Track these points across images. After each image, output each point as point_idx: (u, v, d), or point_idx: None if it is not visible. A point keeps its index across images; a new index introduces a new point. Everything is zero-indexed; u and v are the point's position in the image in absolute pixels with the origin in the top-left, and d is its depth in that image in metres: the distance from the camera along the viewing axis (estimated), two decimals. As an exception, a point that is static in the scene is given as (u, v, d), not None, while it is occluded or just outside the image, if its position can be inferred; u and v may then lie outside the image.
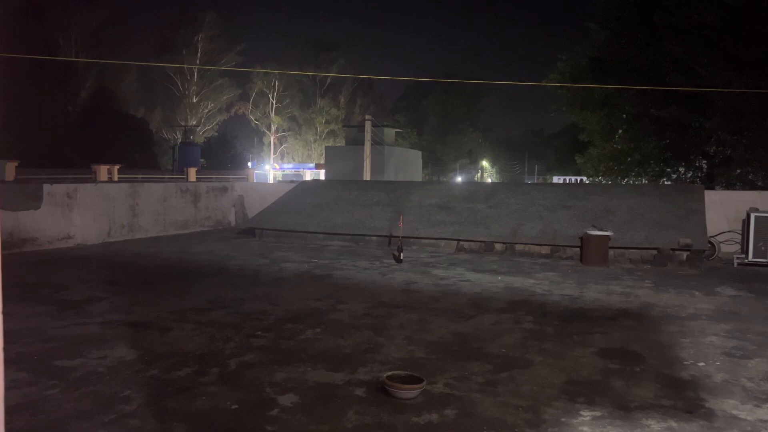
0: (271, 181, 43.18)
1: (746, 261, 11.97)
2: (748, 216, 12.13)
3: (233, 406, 4.44)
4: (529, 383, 5.02)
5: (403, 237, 12.81)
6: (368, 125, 30.40)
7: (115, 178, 20.62)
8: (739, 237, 13.30)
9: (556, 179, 61.40)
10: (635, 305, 8.15)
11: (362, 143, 30.48)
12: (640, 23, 20.70)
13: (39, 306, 7.54)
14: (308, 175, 44.29)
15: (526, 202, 14.18)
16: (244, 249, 13.36)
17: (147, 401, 4.51)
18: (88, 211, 14.05)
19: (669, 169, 22.92)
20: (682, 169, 22.79)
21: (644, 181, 22.97)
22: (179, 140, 44.73)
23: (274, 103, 57.55)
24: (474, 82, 57.56)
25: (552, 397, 4.71)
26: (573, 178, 51.10)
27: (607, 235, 11.80)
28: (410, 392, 4.62)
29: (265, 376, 5.07)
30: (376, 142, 31.29)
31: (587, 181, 26.88)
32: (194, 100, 51.39)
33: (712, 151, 21.47)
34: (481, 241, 13.21)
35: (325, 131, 58.59)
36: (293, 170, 50.26)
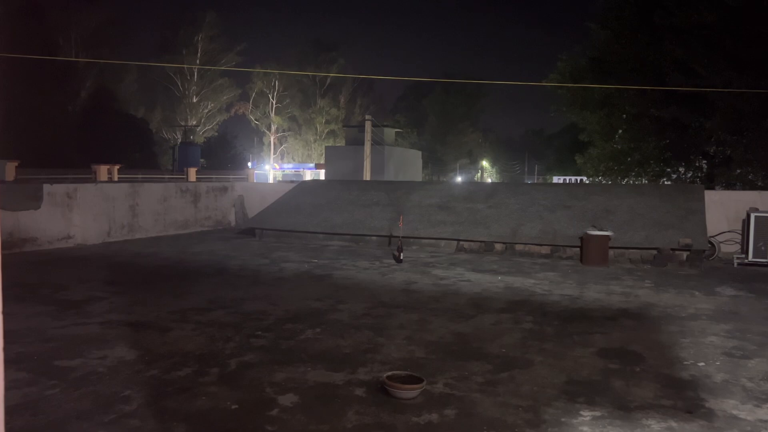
0: (271, 181, 43.18)
1: (746, 261, 11.97)
2: (748, 216, 12.13)
3: (233, 406, 4.44)
4: (529, 383, 5.02)
5: (403, 237, 12.81)
6: (368, 125, 30.40)
7: (115, 178, 20.62)
8: (739, 237, 13.30)
9: (556, 179, 61.43)
10: (635, 305, 8.14)
11: (362, 143, 30.48)
12: (640, 23, 20.69)
13: (39, 306, 7.54)
14: (308, 175, 44.29)
15: (526, 202, 14.18)
16: (244, 249, 13.36)
17: (147, 401, 4.51)
18: (88, 211, 14.05)
19: (669, 169, 22.92)
20: (682, 169, 22.78)
21: (644, 181, 22.97)
22: (179, 140, 44.74)
23: (274, 103, 57.56)
24: (474, 82, 57.59)
25: (552, 397, 4.70)
26: (573, 178, 51.12)
27: (607, 235, 11.80)
28: (410, 392, 4.62)
29: (265, 376, 5.07)
30: (376, 142, 31.29)
31: (587, 181, 26.88)
32: (194, 100, 51.40)
33: (712, 151, 21.47)
34: (481, 241, 13.21)
35: (325, 131, 58.59)
36: (293, 170, 50.26)
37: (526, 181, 71.79)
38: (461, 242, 13.40)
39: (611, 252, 11.96)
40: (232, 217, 19.00)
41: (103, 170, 20.09)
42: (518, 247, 12.94)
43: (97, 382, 4.91)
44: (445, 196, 15.28)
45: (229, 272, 10.35)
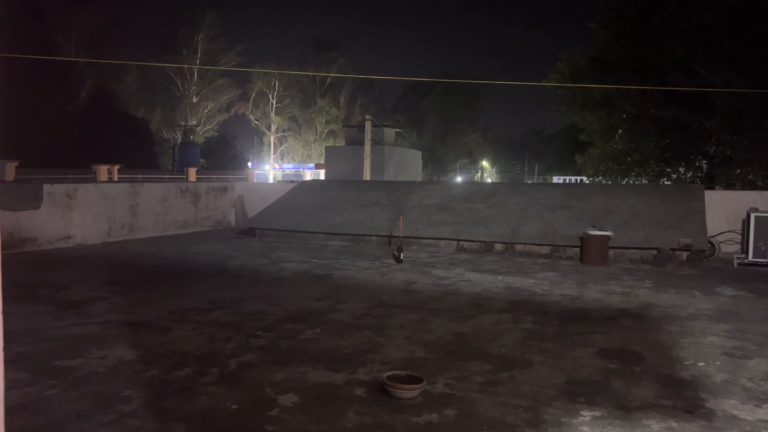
0: (271, 181, 43.18)
1: (746, 261, 11.97)
2: (748, 216, 12.13)
3: (233, 406, 4.44)
4: (529, 383, 5.02)
5: (403, 237, 12.81)
6: (368, 125, 30.40)
7: (115, 178, 20.62)
8: (739, 237, 13.30)
9: (556, 179, 61.43)
10: (635, 305, 8.14)
11: (362, 143, 30.48)
12: (640, 23, 20.69)
13: (39, 306, 7.53)
14: (308, 175, 44.29)
15: (526, 202, 14.18)
16: (244, 249, 13.36)
17: (147, 401, 4.51)
18: (88, 211, 14.05)
19: (669, 169, 22.91)
20: (682, 169, 22.78)
21: (644, 181, 22.96)
22: (179, 140, 44.73)
23: (274, 103, 57.56)
24: (474, 82, 57.59)
25: (552, 397, 4.70)
26: (573, 178, 51.12)
27: (607, 235, 11.80)
28: (410, 392, 4.62)
29: (265, 376, 5.07)
30: (376, 142, 31.29)
31: (587, 181, 26.88)
32: (194, 100, 51.41)
33: (712, 151, 21.47)
34: (481, 241, 13.21)
35: (325, 131, 58.60)
36: (293, 170, 50.26)
37: (526, 181, 71.81)
38: (461, 242, 13.40)
39: (611, 252, 11.96)
40: (232, 217, 19.00)
41: (103, 170, 20.08)
42: (518, 247, 12.94)
43: (97, 382, 4.91)
44: (445, 196, 15.28)
45: (229, 272, 10.35)
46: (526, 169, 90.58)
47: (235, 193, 19.21)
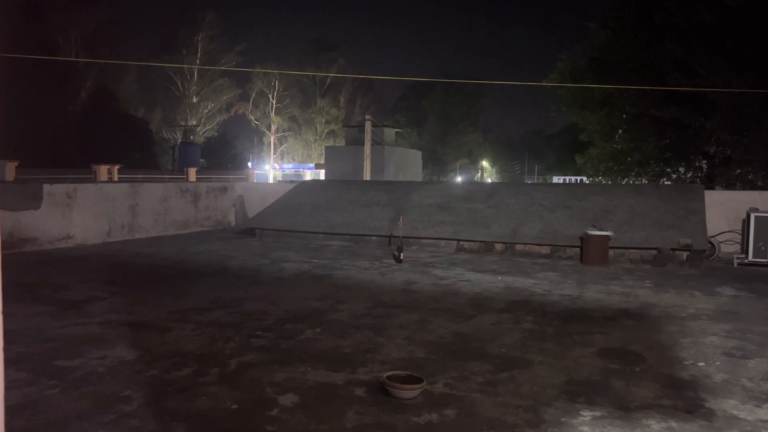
0: (271, 181, 43.18)
1: (746, 261, 11.97)
2: (748, 216, 12.13)
3: (233, 406, 4.44)
4: (529, 383, 5.02)
5: (403, 237, 12.80)
6: (368, 125, 30.41)
7: (115, 178, 20.62)
8: (739, 237, 13.30)
9: (556, 179, 61.45)
10: (635, 305, 8.14)
11: (362, 143, 30.48)
12: (640, 23, 20.69)
13: (39, 306, 7.53)
14: (308, 175, 44.29)
15: (526, 202, 14.18)
16: (244, 249, 13.36)
17: (147, 401, 4.51)
18: (88, 211, 14.05)
19: (669, 169, 22.91)
20: (682, 169, 22.78)
21: (644, 181, 22.96)
22: (179, 140, 44.74)
23: (274, 103, 57.56)
24: (474, 82, 57.62)
25: (552, 397, 4.70)
26: (573, 178, 51.13)
27: (607, 235, 11.80)
28: (410, 392, 4.62)
29: (265, 376, 5.07)
30: (376, 142, 31.29)
31: (587, 181, 26.88)
32: (194, 100, 51.42)
33: (712, 151, 21.46)
34: (481, 241, 13.21)
35: (325, 131, 58.60)
36: (293, 170, 50.26)
37: (526, 181, 71.79)
38: (461, 242, 13.40)
39: (611, 252, 11.96)
40: (232, 217, 19.00)
41: (103, 170, 20.09)
42: (518, 247, 12.94)
43: (97, 382, 4.91)
44: (445, 196, 15.28)
45: (229, 272, 10.35)
46: (526, 169, 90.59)
47: (235, 193, 19.22)
